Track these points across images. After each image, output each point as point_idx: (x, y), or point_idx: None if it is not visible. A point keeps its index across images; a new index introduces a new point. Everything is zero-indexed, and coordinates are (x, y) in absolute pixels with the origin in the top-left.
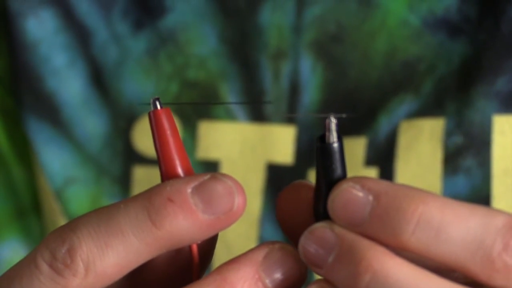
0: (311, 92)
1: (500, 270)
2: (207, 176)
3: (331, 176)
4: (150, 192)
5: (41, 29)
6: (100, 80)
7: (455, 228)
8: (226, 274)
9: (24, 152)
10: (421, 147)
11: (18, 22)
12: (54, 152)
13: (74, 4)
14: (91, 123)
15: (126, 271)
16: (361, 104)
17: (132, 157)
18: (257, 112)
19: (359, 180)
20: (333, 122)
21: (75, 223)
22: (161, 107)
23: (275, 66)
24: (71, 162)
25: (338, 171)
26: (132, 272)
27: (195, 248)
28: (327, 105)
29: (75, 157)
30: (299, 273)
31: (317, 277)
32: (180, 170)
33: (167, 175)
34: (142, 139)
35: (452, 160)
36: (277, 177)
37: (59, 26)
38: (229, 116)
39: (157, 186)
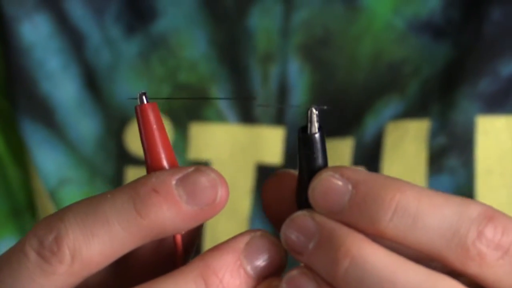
0: (299, 94)
1: (474, 258)
2: (191, 169)
3: (312, 165)
4: (136, 183)
5: (35, 33)
6: (93, 83)
7: (431, 216)
8: (209, 260)
9: (19, 153)
10: (406, 147)
11: (13, 27)
12: (48, 153)
13: (67, 9)
14: (84, 125)
15: (111, 259)
16: (348, 105)
17: (125, 158)
18: (246, 113)
19: (338, 169)
20: (314, 113)
21: (63, 212)
22: (147, 101)
23: (263, 69)
24: (65, 163)
25: (319, 160)
26: (117, 261)
27: (179, 238)
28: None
29: (69, 158)
30: (280, 261)
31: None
32: (165, 163)
33: (153, 167)
34: (135, 141)
35: (436, 160)
36: (266, 178)
37: (53, 31)
38: (220, 118)
39: (143, 177)
